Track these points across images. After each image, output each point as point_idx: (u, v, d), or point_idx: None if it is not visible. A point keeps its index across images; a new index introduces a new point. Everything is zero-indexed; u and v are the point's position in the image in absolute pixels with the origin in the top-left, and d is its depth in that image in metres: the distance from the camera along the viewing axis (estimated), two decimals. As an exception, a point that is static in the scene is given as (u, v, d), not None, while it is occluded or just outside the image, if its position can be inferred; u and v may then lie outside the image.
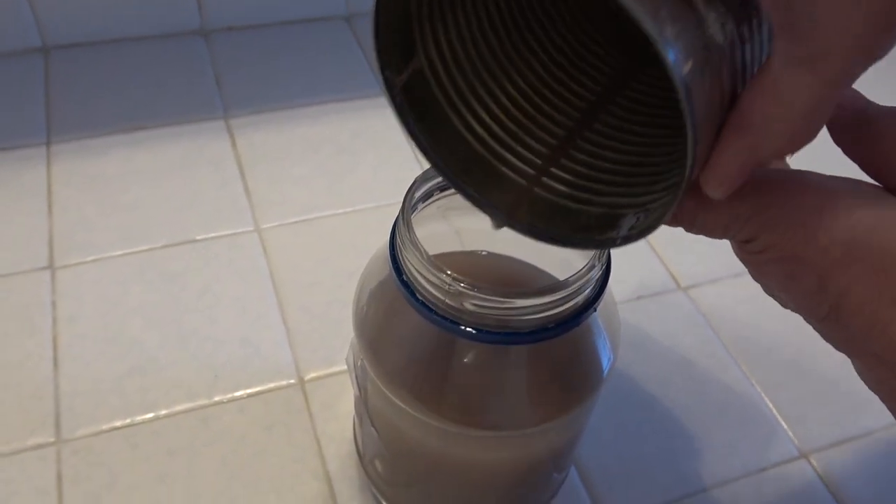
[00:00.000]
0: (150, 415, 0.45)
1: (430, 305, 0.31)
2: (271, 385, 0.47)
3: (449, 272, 0.30)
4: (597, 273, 0.31)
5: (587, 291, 0.31)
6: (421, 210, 0.35)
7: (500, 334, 0.30)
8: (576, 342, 0.34)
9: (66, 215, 0.55)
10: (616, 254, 0.32)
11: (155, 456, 0.44)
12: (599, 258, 0.31)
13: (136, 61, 0.67)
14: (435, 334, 0.33)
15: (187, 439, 0.44)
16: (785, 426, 0.49)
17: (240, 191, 0.58)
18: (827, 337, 0.30)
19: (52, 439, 0.44)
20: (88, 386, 0.46)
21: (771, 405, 0.49)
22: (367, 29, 0.72)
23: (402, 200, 0.32)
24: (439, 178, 0.34)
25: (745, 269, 0.31)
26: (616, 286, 0.35)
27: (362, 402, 0.38)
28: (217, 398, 0.46)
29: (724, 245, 0.31)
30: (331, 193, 0.59)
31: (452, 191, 0.34)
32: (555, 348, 0.33)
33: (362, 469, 0.43)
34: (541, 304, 0.30)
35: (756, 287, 0.32)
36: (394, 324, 0.34)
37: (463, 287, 0.29)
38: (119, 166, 0.59)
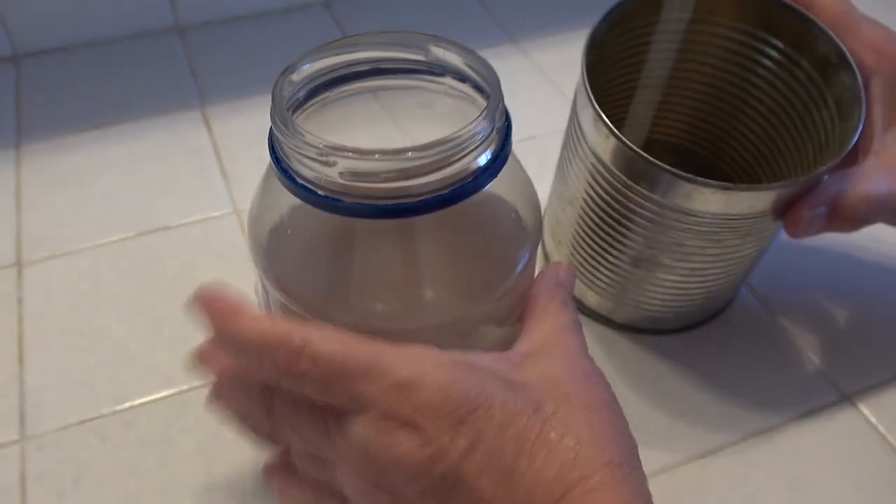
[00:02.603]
0: (121, 405, 0.42)
1: (311, 187, 0.28)
2: (253, 366, 0.43)
3: (321, 138, 0.27)
4: (484, 126, 0.28)
5: (480, 150, 0.28)
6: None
7: (385, 207, 0.27)
8: (484, 226, 0.32)
9: (35, 212, 0.52)
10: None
11: (126, 448, 0.40)
12: (495, 113, 0.28)
13: (111, 62, 0.65)
14: (328, 230, 0.30)
15: (161, 428, 0.41)
16: (822, 367, 0.44)
17: (216, 175, 0.55)
18: None
19: (15, 437, 0.40)
20: (55, 380, 0.43)
21: (803, 346, 0.44)
22: (346, 13, 0.70)
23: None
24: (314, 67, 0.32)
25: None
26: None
27: None
28: (195, 383, 0.43)
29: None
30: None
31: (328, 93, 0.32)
32: (462, 231, 0.31)
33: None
34: (424, 164, 0.27)
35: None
36: (284, 239, 0.32)
37: (334, 148, 0.27)
38: (91, 161, 0.56)
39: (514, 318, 0.34)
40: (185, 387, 0.42)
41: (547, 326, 0.31)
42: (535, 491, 0.25)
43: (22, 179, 0.54)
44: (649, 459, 0.39)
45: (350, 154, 0.27)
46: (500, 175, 0.30)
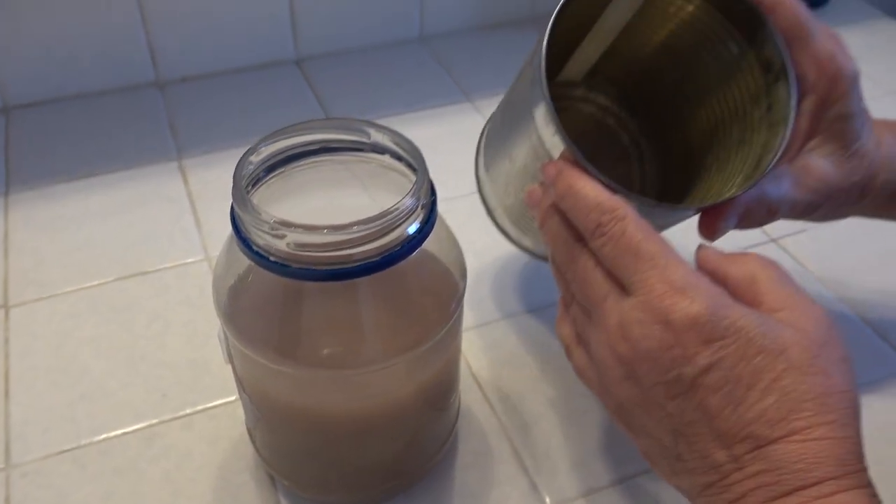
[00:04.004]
0: (98, 437, 0.46)
1: (264, 254, 0.33)
2: (218, 402, 0.48)
3: (272, 214, 0.33)
4: (413, 203, 0.33)
5: (409, 221, 0.34)
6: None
7: (328, 272, 0.33)
8: (418, 282, 0.37)
9: (21, 257, 0.57)
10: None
11: (102, 475, 0.44)
12: (420, 191, 0.34)
13: (94, 115, 0.70)
14: (277, 288, 0.36)
15: (133, 458, 0.45)
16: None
17: (191, 224, 0.60)
18: (672, 417, 0.32)
19: (1, 465, 0.45)
20: (39, 414, 0.47)
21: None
22: (316, 71, 0.75)
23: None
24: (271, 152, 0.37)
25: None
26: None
27: (234, 372, 0.41)
28: (164, 417, 0.47)
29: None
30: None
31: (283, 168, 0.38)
32: (398, 287, 0.36)
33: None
34: (362, 235, 0.32)
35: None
36: (244, 293, 0.37)
37: (282, 224, 0.32)
38: (74, 210, 0.61)
39: (448, 356, 0.39)
40: (154, 421, 0.47)
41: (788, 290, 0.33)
42: (758, 423, 0.30)
43: (10, 226, 0.59)
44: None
45: (298, 229, 0.32)
46: (430, 238, 0.35)
